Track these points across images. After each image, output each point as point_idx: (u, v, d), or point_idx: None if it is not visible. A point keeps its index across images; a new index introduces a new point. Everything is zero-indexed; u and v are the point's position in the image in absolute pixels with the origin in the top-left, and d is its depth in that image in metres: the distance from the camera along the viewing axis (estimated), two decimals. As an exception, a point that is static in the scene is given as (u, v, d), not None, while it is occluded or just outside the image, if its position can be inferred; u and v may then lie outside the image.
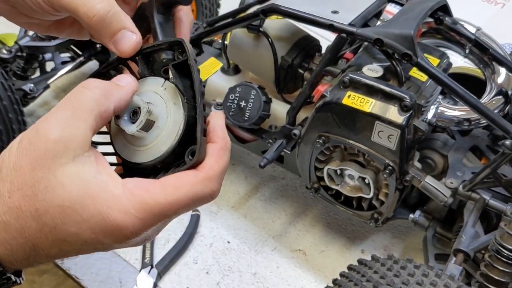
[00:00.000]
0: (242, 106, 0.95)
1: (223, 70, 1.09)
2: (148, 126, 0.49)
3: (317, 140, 0.87)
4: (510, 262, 0.69)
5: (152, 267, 0.98)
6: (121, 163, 0.51)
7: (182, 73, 0.50)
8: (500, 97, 0.89)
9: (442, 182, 0.85)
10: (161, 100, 0.50)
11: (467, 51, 0.93)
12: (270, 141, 0.95)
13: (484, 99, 0.89)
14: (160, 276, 0.97)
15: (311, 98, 0.91)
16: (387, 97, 0.79)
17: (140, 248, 1.03)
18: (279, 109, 1.00)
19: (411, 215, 0.94)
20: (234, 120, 0.96)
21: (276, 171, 1.23)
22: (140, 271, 0.97)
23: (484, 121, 0.87)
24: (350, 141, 0.84)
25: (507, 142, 0.73)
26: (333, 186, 0.92)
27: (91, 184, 0.41)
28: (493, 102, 0.88)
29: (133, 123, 0.48)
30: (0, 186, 0.40)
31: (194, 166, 0.47)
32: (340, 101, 0.82)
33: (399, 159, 0.81)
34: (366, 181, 0.88)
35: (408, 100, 0.77)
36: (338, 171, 0.90)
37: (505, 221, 0.72)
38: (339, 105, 0.82)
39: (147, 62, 0.52)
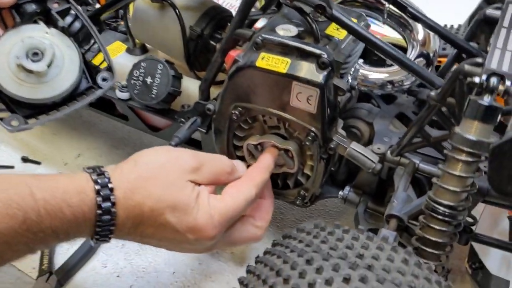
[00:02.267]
0: (148, 82, 0.85)
1: (128, 50, 0.98)
2: (50, 64, 0.60)
3: (233, 112, 0.78)
4: (447, 219, 0.63)
5: (51, 274, 0.83)
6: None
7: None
8: (421, 59, 0.85)
9: (369, 149, 0.79)
10: (50, 43, 0.61)
11: (385, 15, 0.89)
12: (183, 120, 0.86)
13: (406, 61, 0.85)
14: (60, 283, 0.83)
15: (223, 68, 0.83)
16: (303, 55, 0.72)
17: (37, 255, 0.88)
18: (192, 87, 0.90)
19: (341, 192, 0.87)
20: (140, 98, 0.86)
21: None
22: (36, 279, 0.83)
23: (408, 83, 0.83)
24: (269, 109, 0.76)
25: (432, 93, 0.68)
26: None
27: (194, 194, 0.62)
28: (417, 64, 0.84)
29: (34, 62, 0.59)
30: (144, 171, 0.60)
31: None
32: (253, 64, 0.74)
33: (321, 124, 0.74)
34: (290, 154, 0.80)
35: (326, 56, 0.70)
36: (259, 147, 0.82)
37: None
38: (252, 69, 0.74)
39: (18, 13, 0.60)
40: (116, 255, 0.91)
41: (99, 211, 0.55)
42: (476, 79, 0.60)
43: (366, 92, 0.93)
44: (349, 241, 0.59)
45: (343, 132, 0.79)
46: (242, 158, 0.85)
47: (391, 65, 0.87)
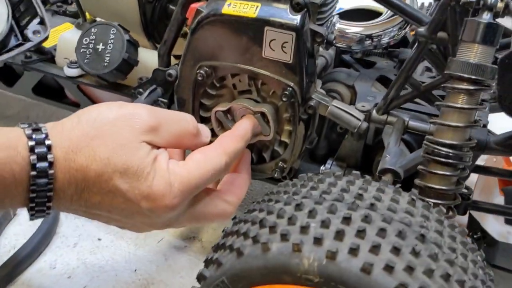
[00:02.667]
0: (100, 50, 0.75)
1: (78, 26, 0.88)
2: None
3: (199, 72, 0.69)
4: (451, 161, 0.55)
5: (-14, 276, 0.70)
6: None
7: None
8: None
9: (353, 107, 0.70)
10: None
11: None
12: (141, 90, 0.76)
13: (384, 16, 0.78)
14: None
15: (183, 32, 0.74)
16: (275, -2, 0.64)
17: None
18: (151, 58, 0.81)
19: (322, 167, 0.78)
20: (91, 68, 0.75)
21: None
22: (-33, 283, 0.69)
23: (386, 39, 0.76)
24: (239, 65, 0.67)
25: (421, 29, 0.61)
26: (225, 135, 0.73)
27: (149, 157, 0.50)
28: (394, 18, 0.78)
29: None
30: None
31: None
32: (219, 12, 0.65)
33: (299, 75, 0.65)
34: (265, 118, 0.70)
35: (300, -4, 0.63)
36: (229, 116, 0.72)
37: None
38: (218, 17, 0.65)
39: None
40: (67, 255, 0.78)
41: (33, 172, 0.45)
42: (472, -2, 0.53)
43: (343, 60, 0.86)
44: (344, 185, 0.50)
45: (323, 91, 0.71)
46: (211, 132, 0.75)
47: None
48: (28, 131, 0.46)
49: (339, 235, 0.42)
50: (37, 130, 0.47)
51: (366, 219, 0.43)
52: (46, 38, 0.56)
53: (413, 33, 0.89)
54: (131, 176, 0.49)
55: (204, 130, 0.62)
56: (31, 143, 0.45)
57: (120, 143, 0.49)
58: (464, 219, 0.81)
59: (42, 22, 0.56)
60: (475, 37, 0.52)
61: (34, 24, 0.57)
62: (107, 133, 0.49)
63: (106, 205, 0.50)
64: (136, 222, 0.54)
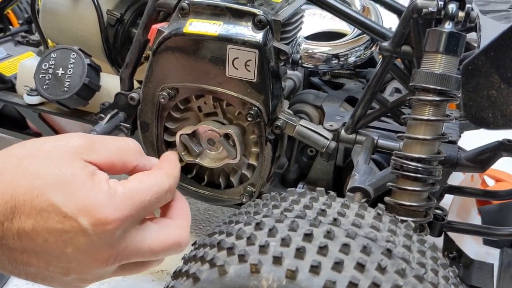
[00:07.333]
0: (59, 74, 0.73)
1: (39, 53, 0.86)
2: None
3: (161, 94, 0.67)
4: (420, 176, 0.52)
5: None
6: None
7: None
8: (365, 35, 0.77)
9: (321, 127, 0.68)
10: None
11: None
12: (102, 115, 0.73)
13: (350, 35, 0.77)
14: None
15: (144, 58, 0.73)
16: (237, 16, 0.63)
17: None
18: (114, 84, 0.79)
19: (293, 191, 0.75)
20: (50, 94, 0.73)
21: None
22: None
23: (353, 58, 0.75)
24: (202, 85, 0.65)
25: (385, 43, 0.60)
26: (190, 159, 0.70)
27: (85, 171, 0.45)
28: (359, 38, 0.77)
29: None
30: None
31: None
32: (181, 32, 0.64)
33: (264, 94, 0.63)
34: (231, 142, 0.68)
35: (262, 14, 0.61)
36: (195, 139, 0.70)
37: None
38: (180, 37, 0.64)
39: None
40: None
41: None
42: (433, 8, 0.53)
43: (312, 82, 0.85)
44: (307, 201, 0.47)
45: (290, 111, 0.69)
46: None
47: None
48: None
49: (300, 253, 0.39)
50: None
51: (328, 235, 0.40)
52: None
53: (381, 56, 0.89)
54: (64, 188, 0.44)
55: (152, 159, 0.57)
56: None
57: (51, 158, 0.45)
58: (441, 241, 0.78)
59: None
60: (438, 46, 0.51)
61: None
62: (37, 153, 0.45)
63: (42, 232, 0.43)
64: (73, 258, 0.45)
